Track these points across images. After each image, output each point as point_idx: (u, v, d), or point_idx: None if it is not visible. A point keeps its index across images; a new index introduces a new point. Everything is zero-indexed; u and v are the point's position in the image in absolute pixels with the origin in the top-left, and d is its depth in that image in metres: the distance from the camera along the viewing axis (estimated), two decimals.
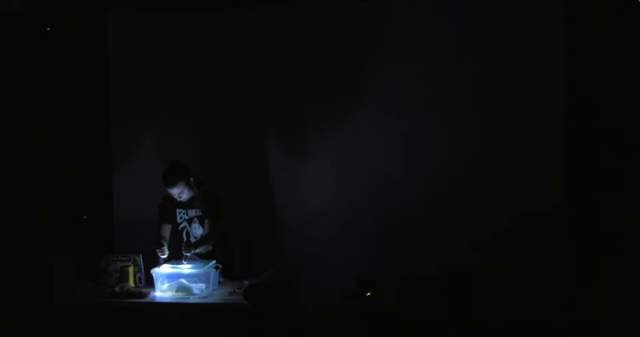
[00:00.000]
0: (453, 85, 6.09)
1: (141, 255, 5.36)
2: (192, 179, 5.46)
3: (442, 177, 6.12)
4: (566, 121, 5.90)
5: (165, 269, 5.19)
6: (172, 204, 5.57)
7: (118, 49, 6.54)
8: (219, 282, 5.26)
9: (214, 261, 5.24)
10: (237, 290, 5.14)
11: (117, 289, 5.12)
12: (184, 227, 5.62)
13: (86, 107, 6.51)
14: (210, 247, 5.56)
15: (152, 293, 5.12)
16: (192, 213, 5.59)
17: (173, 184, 5.38)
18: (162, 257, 5.34)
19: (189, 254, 5.35)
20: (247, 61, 6.36)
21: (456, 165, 6.09)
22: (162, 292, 5.11)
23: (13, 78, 6.37)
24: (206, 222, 5.55)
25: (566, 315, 5.03)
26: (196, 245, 5.48)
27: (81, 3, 6.35)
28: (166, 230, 5.58)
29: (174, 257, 5.37)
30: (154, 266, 5.24)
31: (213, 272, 5.16)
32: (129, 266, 5.32)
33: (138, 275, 5.33)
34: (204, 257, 5.46)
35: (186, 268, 5.18)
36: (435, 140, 6.14)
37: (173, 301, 5.02)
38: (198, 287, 5.08)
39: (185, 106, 6.49)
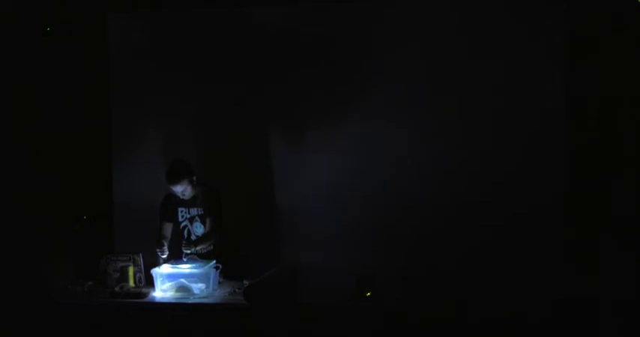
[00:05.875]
0: (452, 84, 6.10)
1: (141, 255, 5.36)
2: (194, 177, 5.48)
3: (442, 176, 6.13)
4: (566, 120, 5.91)
5: (166, 269, 5.19)
6: (174, 202, 5.58)
7: (118, 49, 6.54)
8: (219, 282, 5.26)
9: (214, 261, 5.25)
10: (237, 290, 5.15)
11: (117, 289, 5.12)
12: (186, 225, 5.63)
13: (86, 107, 6.51)
14: (211, 246, 5.58)
15: (152, 293, 5.12)
16: (194, 211, 5.60)
17: (177, 182, 5.39)
18: (162, 256, 5.34)
19: (188, 251, 5.36)
20: (247, 60, 6.37)
21: (458, 162, 6.10)
22: (163, 292, 5.11)
23: (14, 78, 6.38)
24: (207, 220, 5.56)
25: (565, 315, 5.02)
26: (196, 243, 5.50)
27: (81, 3, 6.36)
28: (167, 228, 5.59)
29: (174, 257, 5.38)
30: (154, 266, 5.24)
31: (213, 272, 5.17)
32: (129, 266, 5.32)
33: (138, 275, 5.33)
34: (204, 257, 5.47)
35: (186, 268, 5.18)
36: (435, 139, 6.14)
37: (173, 301, 5.02)
38: (198, 287, 5.08)
39: (185, 106, 6.49)
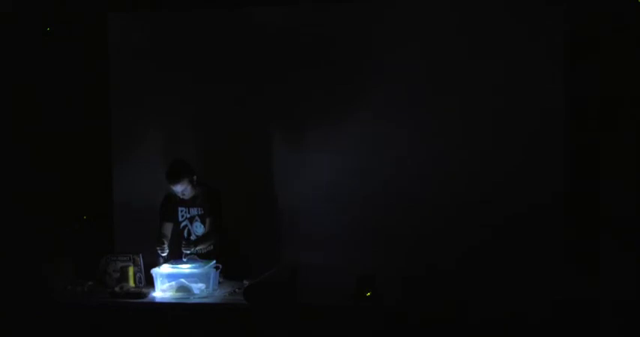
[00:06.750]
0: (452, 84, 6.11)
1: (141, 255, 5.36)
2: (195, 177, 5.49)
3: (442, 176, 6.13)
4: (566, 120, 5.91)
5: (166, 269, 5.19)
6: (174, 202, 5.59)
7: (118, 49, 6.54)
8: (219, 282, 5.26)
9: (214, 261, 5.25)
10: (237, 290, 5.15)
11: (117, 289, 5.12)
12: (186, 225, 5.64)
13: (86, 107, 6.51)
14: (211, 246, 5.58)
15: (152, 293, 5.12)
16: (194, 211, 5.60)
17: (177, 181, 5.40)
18: (162, 255, 5.34)
19: (188, 251, 5.37)
20: (247, 60, 6.37)
21: (458, 162, 6.10)
22: (163, 292, 5.11)
23: (14, 78, 6.38)
24: (207, 220, 5.56)
25: (565, 315, 5.03)
26: (196, 243, 5.50)
27: (81, 3, 6.36)
28: (168, 228, 5.59)
29: (174, 257, 5.38)
30: (154, 266, 5.24)
31: (213, 272, 5.17)
32: (129, 266, 5.32)
33: (138, 275, 5.33)
34: (204, 257, 5.47)
35: (186, 268, 5.18)
36: (435, 139, 6.15)
37: (173, 301, 5.02)
38: (198, 287, 5.08)
39: (185, 106, 6.49)
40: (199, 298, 5.04)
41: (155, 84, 6.49)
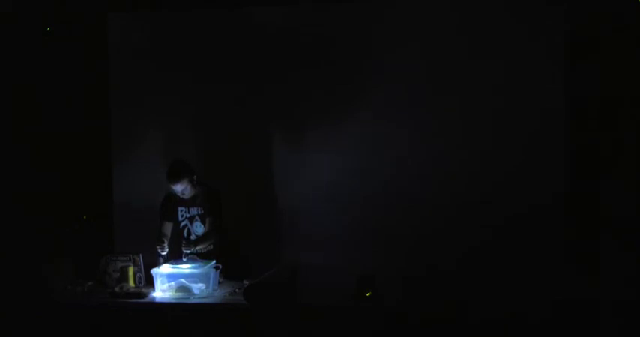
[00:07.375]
0: (452, 84, 6.11)
1: (141, 255, 5.36)
2: (195, 177, 5.49)
3: (442, 176, 6.13)
4: (566, 120, 5.91)
5: (166, 269, 5.19)
6: (174, 201, 5.59)
7: (118, 49, 6.54)
8: (219, 282, 5.27)
9: (214, 261, 5.25)
10: (237, 290, 5.15)
11: (117, 289, 5.12)
12: (185, 225, 5.64)
13: (86, 107, 6.51)
14: (211, 246, 5.58)
15: (152, 293, 5.12)
16: (194, 211, 5.61)
17: (177, 181, 5.41)
18: (162, 254, 5.35)
19: (188, 251, 5.37)
20: (247, 60, 6.37)
21: (458, 162, 6.10)
22: (163, 292, 5.11)
23: (14, 78, 6.38)
24: (207, 220, 5.56)
25: (565, 315, 5.04)
26: (196, 242, 5.51)
27: (81, 3, 6.36)
28: (167, 227, 5.60)
29: (174, 257, 5.38)
30: (154, 266, 5.24)
31: (213, 272, 5.17)
32: (129, 266, 5.33)
33: (138, 275, 5.33)
34: (204, 257, 5.47)
35: (186, 268, 5.18)
36: (435, 139, 6.15)
37: (173, 301, 5.02)
38: (198, 287, 5.08)
39: (185, 106, 6.49)
40: (199, 298, 5.04)
41: (155, 84, 6.49)
